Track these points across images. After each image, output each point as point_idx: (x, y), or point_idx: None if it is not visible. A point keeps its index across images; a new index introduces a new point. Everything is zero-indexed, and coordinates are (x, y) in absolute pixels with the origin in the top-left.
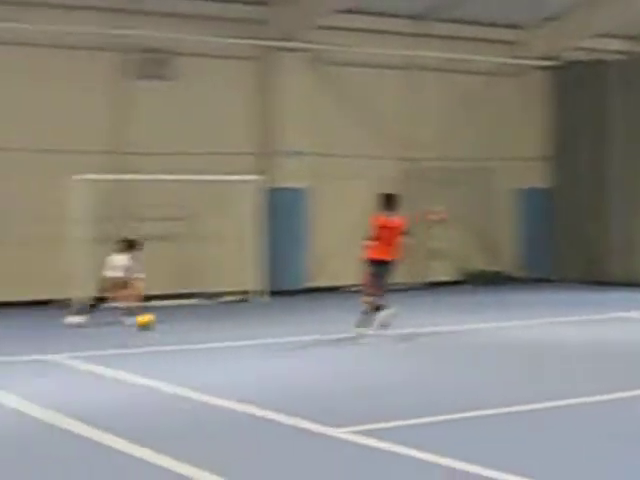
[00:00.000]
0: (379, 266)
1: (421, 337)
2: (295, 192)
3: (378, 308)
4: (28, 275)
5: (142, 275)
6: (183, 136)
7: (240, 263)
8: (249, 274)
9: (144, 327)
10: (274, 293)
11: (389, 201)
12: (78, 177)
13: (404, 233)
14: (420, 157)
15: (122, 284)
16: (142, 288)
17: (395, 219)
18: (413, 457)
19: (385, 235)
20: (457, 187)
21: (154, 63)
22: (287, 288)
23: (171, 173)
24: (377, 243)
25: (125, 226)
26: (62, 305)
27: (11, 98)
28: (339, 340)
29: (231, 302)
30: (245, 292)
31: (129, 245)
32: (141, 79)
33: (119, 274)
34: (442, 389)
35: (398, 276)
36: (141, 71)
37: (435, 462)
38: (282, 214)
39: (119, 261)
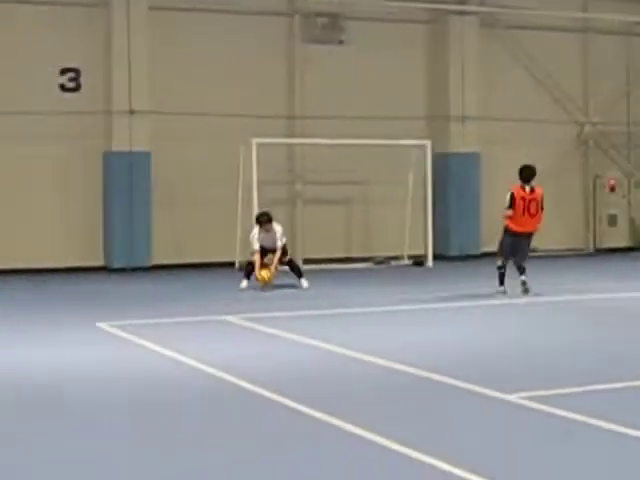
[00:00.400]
0: (516, 236)
1: (590, 303)
2: (467, 157)
3: (503, 276)
4: (212, 237)
5: (279, 244)
6: (356, 100)
7: (411, 228)
8: (420, 239)
9: (264, 283)
10: (446, 258)
11: (527, 173)
12: (256, 141)
13: (542, 205)
14: (596, 121)
15: (261, 255)
16: (275, 259)
17: (535, 190)
18: (595, 426)
19: (523, 206)
20: (634, 152)
21: (329, 27)
22: (459, 253)
23: (344, 137)
24: (515, 213)
25: (298, 189)
26: (241, 267)
27: (193, 63)
28: (506, 305)
29: (402, 266)
30: (416, 257)
31: (261, 219)
32: (316, 43)
33: (255, 246)
34: (615, 355)
35: (572, 242)
36: (317, 35)
37: (619, 432)
38: (454, 179)
39: (254, 236)
